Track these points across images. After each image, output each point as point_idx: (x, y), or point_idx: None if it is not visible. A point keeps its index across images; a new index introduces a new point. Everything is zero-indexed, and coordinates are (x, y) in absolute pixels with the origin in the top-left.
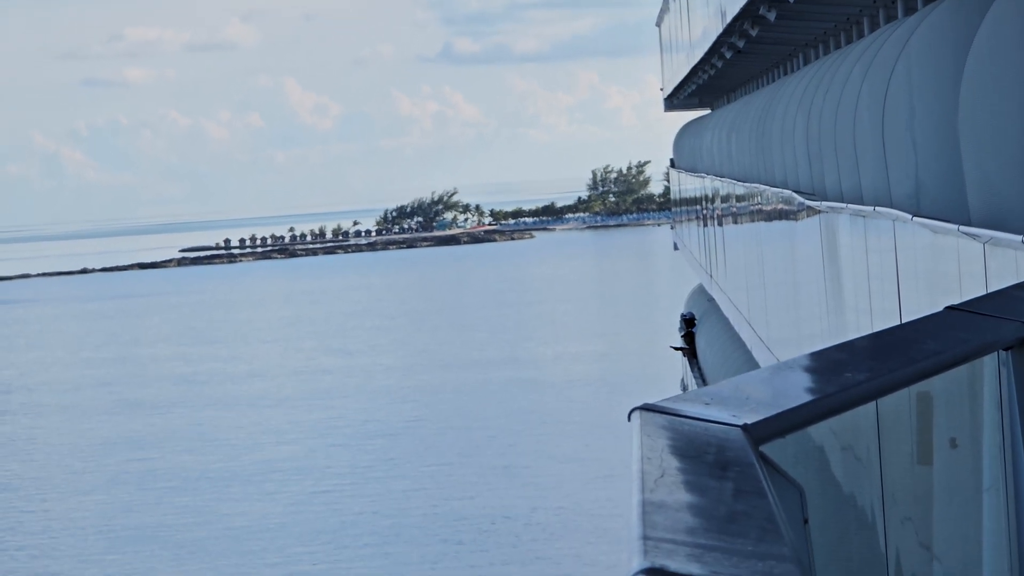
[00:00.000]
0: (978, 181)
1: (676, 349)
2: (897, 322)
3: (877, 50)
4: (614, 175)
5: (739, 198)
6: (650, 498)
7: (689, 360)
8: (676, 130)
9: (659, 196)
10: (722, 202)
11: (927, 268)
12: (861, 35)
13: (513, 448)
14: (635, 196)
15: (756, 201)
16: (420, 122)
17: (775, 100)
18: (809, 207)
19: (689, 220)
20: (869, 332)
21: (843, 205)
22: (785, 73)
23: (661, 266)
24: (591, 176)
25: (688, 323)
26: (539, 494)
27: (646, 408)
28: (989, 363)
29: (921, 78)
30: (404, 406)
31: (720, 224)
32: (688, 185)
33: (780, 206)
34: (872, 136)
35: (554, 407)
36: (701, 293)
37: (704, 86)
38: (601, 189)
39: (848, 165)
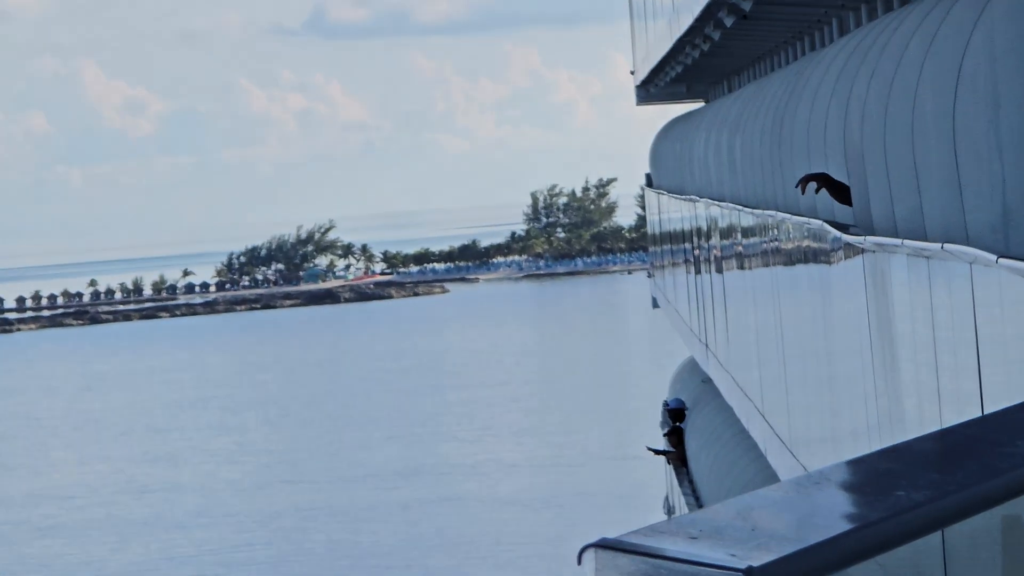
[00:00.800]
0: None
1: (657, 453)
2: (977, 413)
3: (944, 14)
4: (564, 200)
5: (747, 232)
6: None
7: (676, 469)
8: (654, 133)
9: (630, 230)
10: (723, 238)
11: (1019, 331)
12: None
13: None
14: (595, 230)
15: (772, 236)
16: (280, 124)
17: (798, 87)
18: (848, 244)
19: (674, 265)
20: (935, 428)
21: (897, 241)
22: (813, 47)
23: (634, 332)
24: (531, 202)
25: (674, 416)
26: None
27: (604, 546)
28: None
29: (1009, 54)
30: (254, 544)
31: (720, 271)
32: (673, 214)
33: (807, 243)
34: (938, 140)
35: (477, 541)
36: (693, 372)
37: (694, 67)
38: (546, 221)
39: (904, 182)
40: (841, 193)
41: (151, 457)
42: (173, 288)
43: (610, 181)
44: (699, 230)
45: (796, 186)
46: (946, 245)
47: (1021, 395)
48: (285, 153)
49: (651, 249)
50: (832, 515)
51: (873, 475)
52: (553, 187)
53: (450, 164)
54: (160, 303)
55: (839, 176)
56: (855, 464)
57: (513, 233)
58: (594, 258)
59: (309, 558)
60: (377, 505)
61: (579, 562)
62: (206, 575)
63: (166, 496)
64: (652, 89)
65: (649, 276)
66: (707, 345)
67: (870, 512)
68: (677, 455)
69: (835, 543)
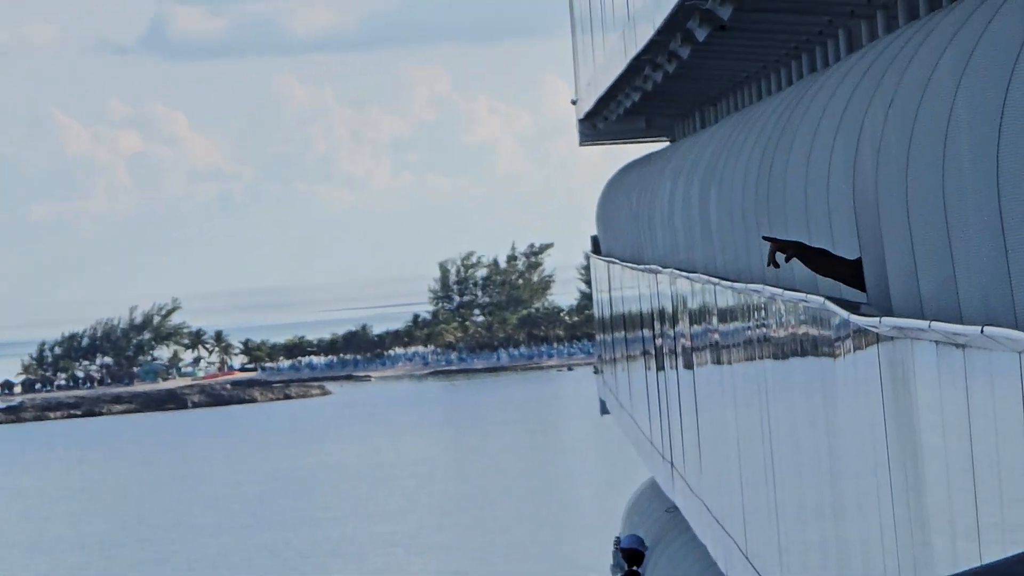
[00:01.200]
0: None
1: None
2: None
3: (986, 22)
4: (483, 272)
5: (726, 314)
6: None
7: None
8: (603, 182)
9: (570, 312)
10: (693, 322)
11: None
12: None
13: None
14: (524, 313)
15: (758, 319)
16: (107, 171)
17: (792, 121)
18: (859, 329)
19: (630, 358)
20: (976, 564)
21: (923, 324)
22: (813, 67)
23: (577, 447)
24: (439, 275)
25: (630, 558)
26: None
27: None
28: None
29: None
30: None
31: (689, 366)
32: (627, 290)
33: (804, 329)
34: (977, 189)
35: None
36: (654, 498)
37: (656, 95)
38: (459, 300)
39: (932, 246)
40: (823, 263)
41: None
42: None
43: (544, 247)
44: (662, 312)
45: (768, 263)
46: (987, 329)
47: None
48: (114, 209)
49: (599, 337)
50: None
51: None
52: (469, 255)
53: (332, 224)
54: None
55: (847, 242)
56: None
57: (416, 316)
58: (523, 349)
59: None
60: None
61: None
62: None
63: None
64: (600, 124)
65: (596, 372)
66: (673, 464)
67: None
68: None
69: None
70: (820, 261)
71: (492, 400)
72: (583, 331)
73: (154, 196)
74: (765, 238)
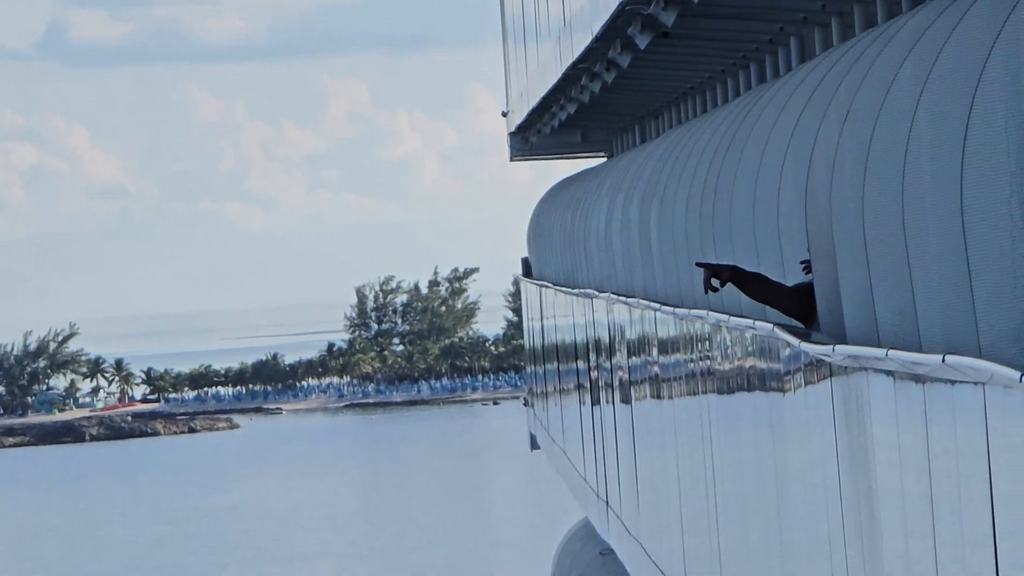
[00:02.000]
0: None
1: None
2: None
3: (950, 30)
4: (404, 299)
5: (667, 345)
6: None
7: None
8: (535, 201)
9: (497, 342)
10: (632, 353)
11: None
12: None
13: None
14: (447, 343)
15: (703, 350)
16: (0, 186)
17: (740, 135)
18: (811, 361)
19: (563, 391)
20: None
21: (880, 352)
22: (762, 78)
23: (503, 484)
24: (356, 301)
25: None
26: None
27: None
28: None
29: None
30: None
31: (627, 400)
32: (561, 317)
33: (751, 361)
34: (938, 209)
35: None
36: (587, 540)
37: (593, 107)
38: (377, 328)
39: (890, 269)
40: (761, 289)
41: None
42: None
43: (470, 272)
44: (598, 341)
45: (705, 289)
46: (949, 358)
47: None
48: (5, 229)
49: (529, 367)
50: None
51: None
52: (388, 280)
53: (241, 246)
54: None
55: (798, 265)
56: None
57: (331, 345)
58: (445, 381)
59: None
60: None
61: None
62: None
63: None
64: (533, 138)
65: (526, 405)
66: (608, 503)
67: None
68: None
69: None
70: (757, 287)
71: (412, 435)
72: (510, 362)
73: (49, 215)
74: (699, 264)
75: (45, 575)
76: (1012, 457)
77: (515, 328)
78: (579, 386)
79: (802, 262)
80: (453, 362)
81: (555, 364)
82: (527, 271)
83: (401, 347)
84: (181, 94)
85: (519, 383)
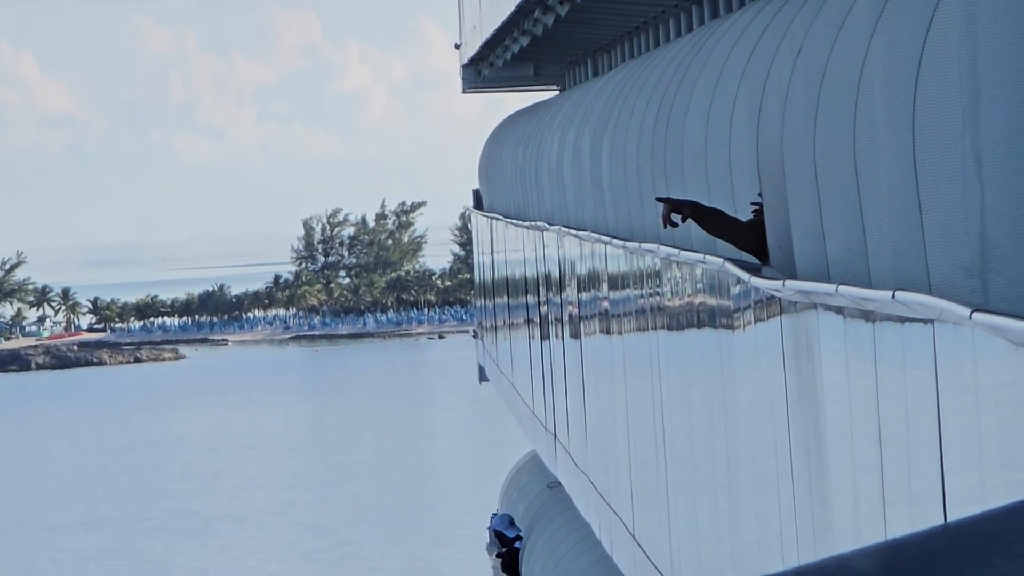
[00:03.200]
0: None
1: None
2: (938, 518)
3: None
4: (350, 232)
5: (617, 280)
6: None
7: None
8: (484, 138)
9: (443, 276)
10: (582, 288)
11: (999, 414)
12: None
13: None
14: (393, 275)
15: (653, 285)
16: None
17: (693, 68)
18: (761, 299)
19: (512, 325)
20: (881, 539)
21: (830, 288)
22: (715, 13)
23: (451, 416)
24: (303, 233)
25: (504, 541)
26: None
27: None
28: None
29: (995, 21)
30: None
31: (576, 335)
32: (511, 251)
33: (701, 299)
34: (890, 146)
35: None
36: (536, 472)
37: (546, 40)
38: (324, 260)
39: (841, 205)
40: (716, 223)
41: None
42: None
43: (417, 206)
44: (548, 275)
45: (664, 224)
46: (899, 294)
47: (1004, 495)
48: None
49: (479, 301)
50: None
51: None
52: (335, 213)
53: (190, 178)
54: None
55: (748, 191)
56: None
57: (277, 277)
58: (391, 315)
59: None
60: None
61: None
62: None
63: None
64: (485, 71)
65: (475, 337)
66: (556, 436)
67: None
68: None
69: None
70: (713, 222)
71: (356, 368)
72: (456, 296)
73: None
74: (659, 199)
75: None
76: (957, 386)
77: (462, 262)
78: (529, 320)
79: (752, 203)
80: (399, 295)
81: (505, 298)
82: (478, 203)
83: (347, 280)
84: (131, 24)
85: (465, 317)
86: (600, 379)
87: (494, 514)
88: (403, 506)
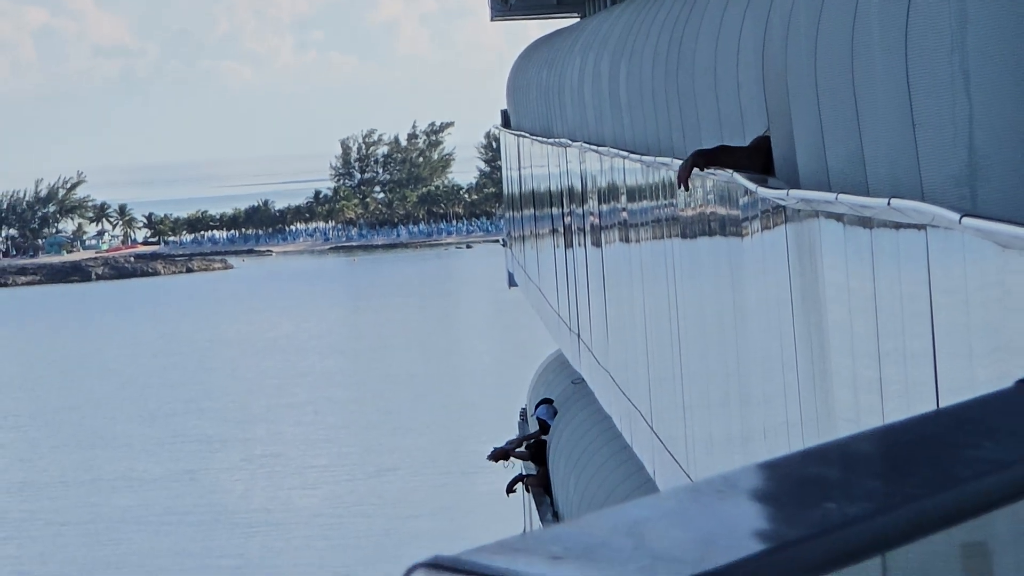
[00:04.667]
0: None
1: (514, 482)
2: (931, 405)
3: None
4: (384, 150)
5: (635, 192)
6: None
7: (536, 496)
8: (507, 64)
9: (470, 190)
10: (603, 200)
11: (987, 310)
12: None
13: None
14: (424, 190)
15: (668, 196)
16: (11, 47)
17: None
18: (767, 209)
19: (538, 235)
20: (876, 424)
21: (831, 196)
22: None
23: (481, 318)
24: (340, 152)
25: (547, 430)
26: None
27: (438, 566)
28: None
29: None
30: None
31: (598, 243)
32: (537, 166)
33: (711, 208)
34: (885, 64)
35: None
36: (561, 370)
37: None
38: (360, 177)
39: (839, 120)
40: (723, 157)
41: None
42: None
43: (446, 126)
44: (570, 188)
45: (680, 185)
46: (894, 201)
47: (988, 384)
48: (18, 85)
49: (508, 213)
50: (740, 533)
51: (795, 482)
52: (370, 133)
53: (234, 101)
54: None
55: (756, 116)
56: (771, 468)
57: (317, 193)
58: (422, 226)
59: None
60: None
61: None
62: None
63: None
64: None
65: (504, 245)
66: (579, 336)
67: (790, 530)
68: (537, 479)
69: (744, 568)
70: (724, 158)
71: (391, 276)
72: (482, 209)
73: (58, 71)
74: (679, 181)
75: (55, 397)
76: (948, 286)
77: (487, 177)
78: (553, 230)
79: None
80: (430, 208)
81: (531, 209)
82: (506, 123)
83: (382, 195)
84: None
85: (490, 228)
86: (620, 283)
87: (524, 408)
88: (439, 400)
